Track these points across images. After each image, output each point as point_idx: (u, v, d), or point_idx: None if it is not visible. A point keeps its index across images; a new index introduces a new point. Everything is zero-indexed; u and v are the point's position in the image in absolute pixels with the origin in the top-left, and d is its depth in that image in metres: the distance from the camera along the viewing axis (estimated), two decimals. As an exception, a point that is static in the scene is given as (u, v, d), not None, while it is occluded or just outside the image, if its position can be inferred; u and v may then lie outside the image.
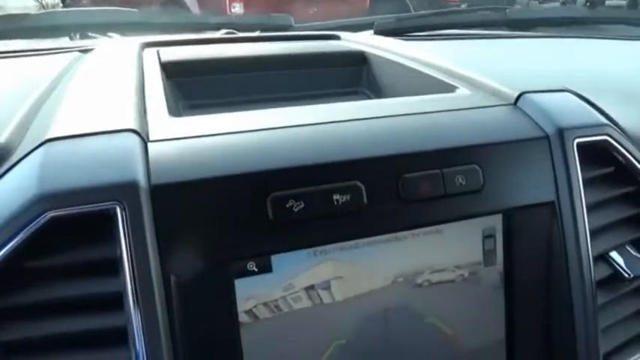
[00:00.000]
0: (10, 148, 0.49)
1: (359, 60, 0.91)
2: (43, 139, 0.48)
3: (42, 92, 0.65)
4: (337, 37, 1.06)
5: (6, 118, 0.56)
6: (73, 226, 0.44)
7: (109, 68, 0.74)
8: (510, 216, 0.58)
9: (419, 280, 0.56)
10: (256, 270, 0.50)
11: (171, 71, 0.80)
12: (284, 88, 0.86)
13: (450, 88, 0.70)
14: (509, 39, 1.24)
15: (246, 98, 0.83)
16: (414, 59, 0.82)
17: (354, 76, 0.90)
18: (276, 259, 0.50)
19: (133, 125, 0.51)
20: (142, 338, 0.44)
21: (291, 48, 0.93)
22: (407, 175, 0.52)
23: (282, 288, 0.51)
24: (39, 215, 0.43)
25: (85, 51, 0.92)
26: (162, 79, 0.70)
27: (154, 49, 0.87)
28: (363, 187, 0.51)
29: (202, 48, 0.91)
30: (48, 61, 0.89)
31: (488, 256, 0.59)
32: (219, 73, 0.85)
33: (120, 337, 0.45)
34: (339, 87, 0.87)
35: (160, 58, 0.82)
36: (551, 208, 0.59)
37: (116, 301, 0.44)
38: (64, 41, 1.18)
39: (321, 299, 0.53)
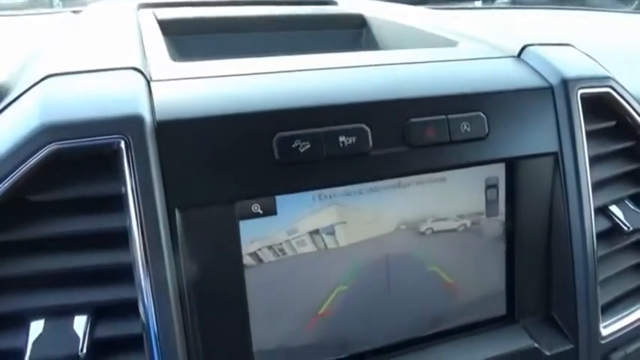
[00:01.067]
0: (10, 85, 0.48)
1: (358, 22, 0.90)
2: (44, 75, 0.47)
3: (39, 40, 0.64)
4: (335, 3, 1.05)
5: (4, 61, 0.54)
6: (77, 161, 0.43)
7: (106, 21, 0.73)
8: (513, 166, 0.58)
9: (422, 228, 0.56)
10: (261, 212, 0.50)
11: (169, 29, 0.78)
12: (283, 48, 0.84)
13: (453, 44, 0.69)
14: (509, 9, 1.24)
15: (245, 56, 0.82)
16: (414, 20, 0.82)
17: (353, 37, 0.89)
18: (280, 201, 0.50)
19: (136, 64, 0.50)
20: (147, 272, 0.43)
21: (290, 10, 0.92)
22: (413, 120, 0.52)
23: (286, 231, 0.51)
24: (41, 147, 0.42)
25: (78, 12, 0.90)
26: (160, 34, 0.69)
27: (149, 10, 0.86)
28: (369, 130, 0.51)
29: (199, 9, 0.90)
30: (43, 19, 0.87)
31: (490, 206, 0.59)
32: (218, 32, 0.83)
33: (125, 273, 0.44)
34: (338, 47, 0.87)
35: (156, 17, 0.80)
36: (554, 158, 0.59)
37: (121, 238, 0.44)
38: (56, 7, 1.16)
39: (325, 244, 0.53)
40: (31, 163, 0.42)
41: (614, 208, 0.63)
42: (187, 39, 0.81)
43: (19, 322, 0.43)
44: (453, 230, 0.57)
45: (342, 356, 0.55)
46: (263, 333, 0.51)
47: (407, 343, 0.57)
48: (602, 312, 0.61)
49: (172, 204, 0.45)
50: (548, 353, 0.58)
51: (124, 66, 0.49)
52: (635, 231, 0.63)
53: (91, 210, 0.44)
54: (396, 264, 0.56)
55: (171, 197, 0.45)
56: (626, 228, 0.62)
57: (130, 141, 0.43)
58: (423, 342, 0.57)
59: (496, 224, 0.59)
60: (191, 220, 0.46)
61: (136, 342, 0.45)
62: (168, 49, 0.63)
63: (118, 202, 0.44)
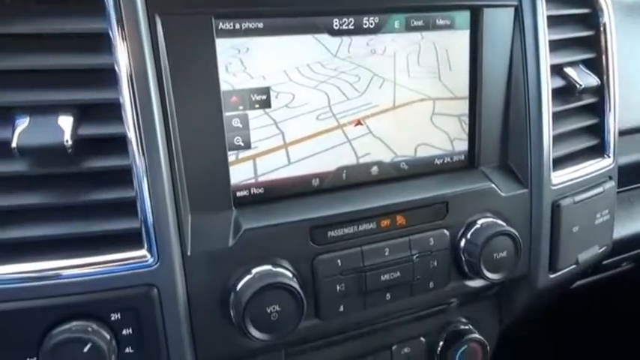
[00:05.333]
0: None
1: None
2: None
3: None
4: None
5: None
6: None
7: None
8: (477, 15, 0.61)
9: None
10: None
11: None
12: None
13: None
14: None
15: None
16: None
17: None
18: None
19: None
20: (129, 77, 0.46)
21: None
22: None
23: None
24: None
25: None
26: None
27: None
28: None
29: None
30: None
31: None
32: None
33: (107, 76, 0.46)
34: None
35: None
36: (514, 12, 0.62)
37: (103, 40, 0.46)
38: None
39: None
40: None
41: (568, 69, 0.68)
42: None
43: (5, 116, 0.45)
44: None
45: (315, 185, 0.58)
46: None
47: (373, 182, 0.61)
48: (555, 164, 0.66)
49: (152, 10, 0.47)
50: (503, 195, 0.63)
51: None
52: (587, 90, 0.68)
53: (74, 12, 0.46)
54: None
55: (151, 3, 0.47)
56: (578, 86, 0.67)
57: None
58: (388, 182, 0.62)
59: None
60: (171, 30, 0.48)
61: (118, 144, 0.47)
62: None
63: (101, 4, 0.46)
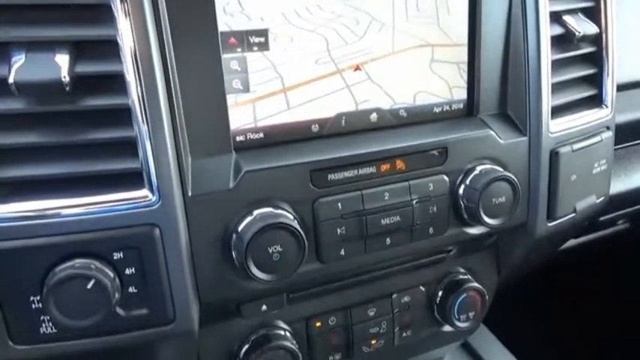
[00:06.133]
0: None
1: None
2: None
3: None
4: None
5: None
6: None
7: None
8: None
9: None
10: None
11: None
12: None
13: None
14: None
15: None
16: None
17: None
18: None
19: None
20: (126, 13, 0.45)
21: None
22: None
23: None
24: None
25: None
26: None
27: None
28: None
29: None
30: None
31: None
32: None
33: (104, 13, 0.46)
34: None
35: None
36: None
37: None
38: None
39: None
40: None
41: (567, 17, 0.68)
42: None
43: (1, 52, 0.45)
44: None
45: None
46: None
47: (372, 129, 0.61)
48: (553, 113, 0.67)
49: None
50: (502, 142, 0.63)
51: None
52: (585, 39, 0.68)
53: None
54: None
55: None
56: (577, 33, 0.67)
57: None
58: (387, 128, 0.62)
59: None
60: None
61: (116, 83, 0.47)
62: None
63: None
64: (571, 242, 1.01)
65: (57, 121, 0.47)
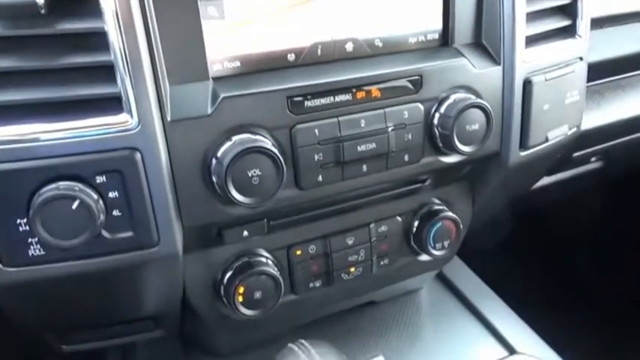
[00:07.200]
0: None
1: None
2: None
3: None
4: None
5: None
6: None
7: None
8: None
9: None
10: None
11: None
12: None
13: None
14: None
15: None
16: None
17: None
18: None
19: None
20: None
21: None
22: None
23: None
24: None
25: None
26: None
27: None
28: None
29: None
30: None
31: None
32: None
33: None
34: None
35: None
36: None
37: None
38: None
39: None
40: None
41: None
42: None
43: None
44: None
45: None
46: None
47: (348, 59, 0.62)
48: (527, 42, 0.68)
49: None
50: (476, 70, 0.65)
51: None
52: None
53: None
54: None
55: None
56: (551, -38, 0.68)
57: None
58: (363, 58, 0.62)
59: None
60: None
61: (92, 6, 0.47)
62: None
63: None
64: (546, 180, 1.04)
65: (32, 46, 0.47)
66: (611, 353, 1.28)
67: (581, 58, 0.74)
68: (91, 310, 0.64)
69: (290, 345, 0.53)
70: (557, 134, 0.73)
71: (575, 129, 0.78)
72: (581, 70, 0.74)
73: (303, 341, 0.53)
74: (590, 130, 0.90)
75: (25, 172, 0.48)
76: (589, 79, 0.80)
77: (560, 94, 0.72)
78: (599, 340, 1.25)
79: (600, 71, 0.96)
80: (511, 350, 0.77)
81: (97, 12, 0.47)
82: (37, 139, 0.48)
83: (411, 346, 0.79)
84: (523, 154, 0.72)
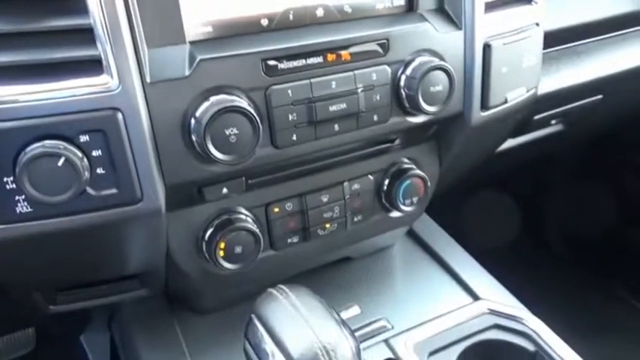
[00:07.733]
0: None
1: None
2: None
3: None
4: None
5: None
6: None
7: None
8: None
9: None
10: None
11: None
12: None
13: None
14: None
15: None
16: None
17: None
18: None
19: None
20: None
21: None
22: None
23: None
24: None
25: None
26: None
27: None
28: None
29: None
30: None
31: None
32: None
33: None
34: None
35: None
36: None
37: None
38: None
39: None
40: None
41: None
42: None
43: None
44: None
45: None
46: None
47: (319, 23, 0.65)
48: (487, 8, 0.72)
49: None
50: (440, 34, 0.69)
51: None
52: None
53: None
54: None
55: None
56: None
57: None
58: (333, 23, 0.66)
59: None
60: None
61: None
62: None
63: None
64: (510, 142, 1.10)
65: (10, 9, 0.49)
66: (565, 297, 1.39)
67: (537, 24, 0.79)
68: (77, 268, 0.67)
69: (270, 289, 0.57)
70: (516, 95, 0.78)
71: (532, 91, 0.83)
72: (538, 35, 0.79)
73: (282, 286, 0.57)
74: (548, 93, 0.96)
75: (10, 131, 0.50)
76: (547, 46, 0.85)
77: (518, 57, 0.76)
78: (554, 285, 1.35)
79: (558, 39, 1.01)
80: (475, 297, 0.83)
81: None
82: (20, 100, 0.50)
83: (383, 297, 0.84)
84: (484, 114, 0.76)
